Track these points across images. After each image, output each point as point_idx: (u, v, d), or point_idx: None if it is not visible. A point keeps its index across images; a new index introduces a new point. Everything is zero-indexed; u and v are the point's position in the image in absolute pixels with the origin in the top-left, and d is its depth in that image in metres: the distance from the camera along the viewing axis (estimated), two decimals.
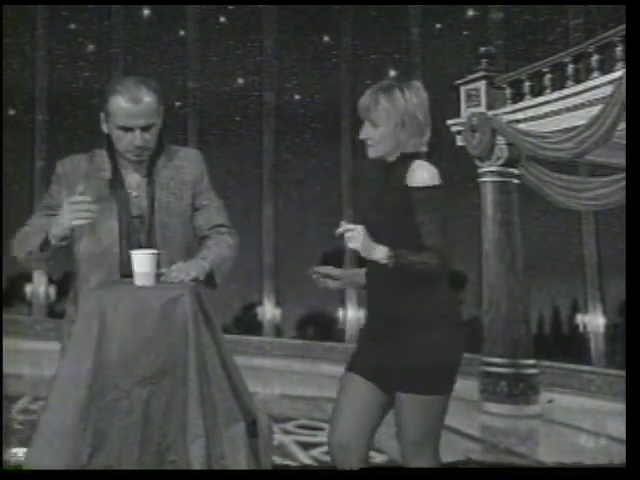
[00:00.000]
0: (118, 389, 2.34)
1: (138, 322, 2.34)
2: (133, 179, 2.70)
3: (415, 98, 2.54)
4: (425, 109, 2.56)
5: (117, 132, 2.62)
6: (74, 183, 2.64)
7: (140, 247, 2.61)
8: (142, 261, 2.46)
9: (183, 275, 2.53)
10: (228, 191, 7.99)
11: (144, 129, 2.60)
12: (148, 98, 2.61)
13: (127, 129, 2.60)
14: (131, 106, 2.59)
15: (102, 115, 2.66)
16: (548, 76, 7.01)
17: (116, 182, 2.68)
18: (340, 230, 2.43)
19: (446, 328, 2.51)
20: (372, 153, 2.57)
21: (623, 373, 6.28)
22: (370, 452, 2.64)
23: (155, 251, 2.51)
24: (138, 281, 2.46)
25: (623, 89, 6.04)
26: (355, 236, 2.41)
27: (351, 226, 2.43)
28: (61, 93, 7.74)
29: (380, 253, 2.43)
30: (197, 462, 2.32)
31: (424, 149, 2.59)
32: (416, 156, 2.55)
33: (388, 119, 2.51)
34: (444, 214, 2.50)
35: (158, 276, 2.51)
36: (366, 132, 2.56)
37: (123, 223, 2.66)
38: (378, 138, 2.54)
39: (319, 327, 8.13)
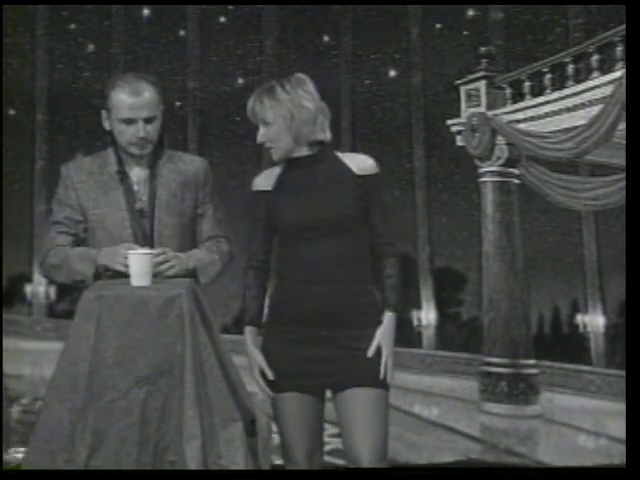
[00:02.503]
0: (115, 390, 2.34)
1: (135, 322, 2.35)
2: (135, 174, 2.74)
3: (298, 89, 2.54)
4: (311, 97, 2.56)
5: (119, 126, 2.66)
6: (80, 181, 2.68)
7: (137, 241, 2.64)
8: (138, 261, 2.46)
9: (164, 267, 2.60)
10: (228, 191, 7.99)
11: (146, 121, 2.66)
12: (149, 91, 2.68)
13: (130, 121, 2.65)
14: (133, 98, 2.65)
15: (103, 112, 2.70)
16: (548, 76, 7.00)
17: (122, 175, 2.71)
18: None
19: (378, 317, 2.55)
20: (276, 155, 2.58)
21: (623, 373, 6.27)
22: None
23: (151, 251, 2.52)
24: (135, 281, 2.46)
25: (623, 89, 6.04)
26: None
27: None
28: (61, 93, 7.73)
29: (394, 322, 2.52)
30: (193, 462, 2.32)
31: (328, 137, 2.58)
32: (329, 146, 2.58)
33: (276, 115, 2.51)
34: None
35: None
36: (261, 135, 2.57)
37: (130, 214, 2.69)
38: (274, 136, 2.54)
39: None
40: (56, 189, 2.77)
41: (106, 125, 2.71)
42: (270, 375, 2.54)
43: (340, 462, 5.57)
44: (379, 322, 2.53)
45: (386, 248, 2.57)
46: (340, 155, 2.59)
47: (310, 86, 2.59)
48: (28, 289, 7.84)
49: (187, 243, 2.75)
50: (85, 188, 2.69)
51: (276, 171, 2.63)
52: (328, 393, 2.61)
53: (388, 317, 2.54)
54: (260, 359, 2.55)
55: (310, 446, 2.58)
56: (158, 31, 7.86)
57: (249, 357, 2.60)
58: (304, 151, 2.56)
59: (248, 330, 2.61)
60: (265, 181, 2.64)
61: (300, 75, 2.60)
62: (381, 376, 2.49)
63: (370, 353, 2.48)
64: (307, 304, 2.51)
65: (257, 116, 2.55)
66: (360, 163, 2.57)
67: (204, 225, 2.79)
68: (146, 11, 7.87)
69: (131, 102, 2.63)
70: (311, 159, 2.56)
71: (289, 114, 2.50)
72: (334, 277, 2.49)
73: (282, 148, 2.55)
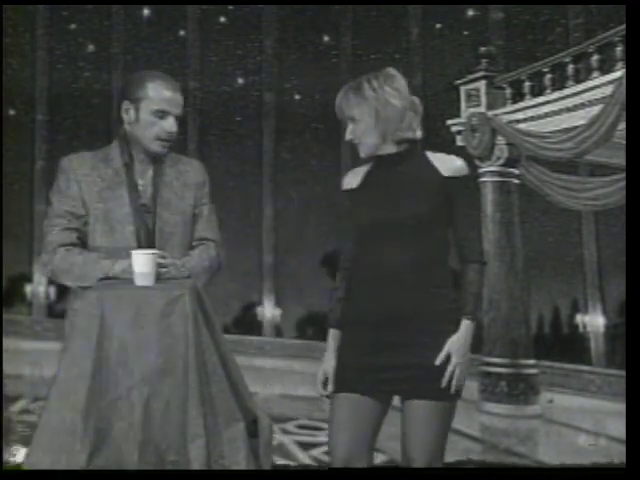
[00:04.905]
0: (118, 389, 2.34)
1: (138, 322, 2.34)
2: (139, 169, 2.72)
3: (385, 85, 2.47)
4: (400, 94, 2.48)
5: (150, 118, 2.65)
6: (84, 174, 2.67)
7: (139, 237, 2.64)
8: (142, 261, 2.46)
9: (161, 271, 2.57)
10: (228, 191, 8.01)
11: (176, 118, 2.66)
12: (180, 91, 2.71)
13: (163, 114, 2.64)
14: (172, 93, 2.67)
15: (126, 102, 2.67)
16: (548, 76, 7.02)
17: (127, 170, 2.70)
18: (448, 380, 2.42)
19: (455, 326, 2.45)
20: (362, 152, 2.53)
21: (623, 373, 6.28)
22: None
23: (155, 251, 2.51)
24: (138, 281, 2.46)
25: (623, 89, 6.04)
26: (457, 364, 2.43)
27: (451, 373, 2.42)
28: (61, 93, 7.73)
29: (471, 329, 2.44)
30: (197, 462, 2.32)
31: (414, 135, 2.52)
32: (418, 145, 2.52)
33: (362, 113, 2.47)
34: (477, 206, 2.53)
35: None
36: (349, 132, 2.52)
37: (133, 210, 2.68)
38: (360, 134, 2.49)
39: (319, 327, 8.14)
40: (55, 182, 2.74)
41: (128, 116, 2.67)
42: (325, 391, 2.53)
43: None
44: (454, 330, 2.43)
45: (468, 253, 2.47)
46: (429, 154, 2.51)
47: (399, 82, 2.49)
48: (28, 289, 7.85)
49: (187, 240, 2.75)
50: (88, 181, 2.66)
51: (364, 169, 2.59)
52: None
53: (464, 325, 2.43)
54: (329, 369, 2.54)
55: (352, 449, 2.46)
56: (158, 31, 7.87)
57: (323, 359, 2.59)
58: (391, 149, 2.50)
59: (331, 333, 2.60)
60: (352, 179, 2.58)
61: (390, 70, 2.52)
62: (443, 386, 2.39)
63: (438, 361, 2.39)
64: (373, 307, 2.45)
65: (344, 113, 2.51)
66: (448, 164, 2.49)
67: (198, 225, 2.79)
68: (146, 11, 7.88)
69: (170, 96, 2.65)
70: (397, 157, 2.50)
71: (374, 112, 2.45)
72: (402, 279, 2.42)
73: (369, 145, 2.50)
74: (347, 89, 2.51)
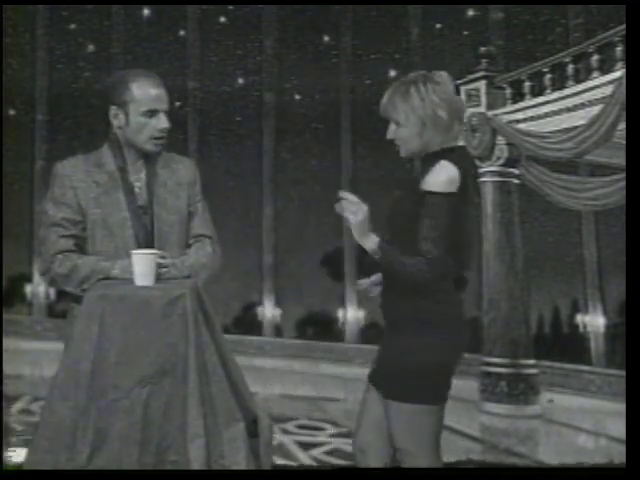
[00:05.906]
0: (118, 389, 2.33)
1: (138, 322, 2.34)
2: (134, 171, 2.71)
3: (433, 95, 2.41)
4: (448, 104, 2.42)
5: (140, 119, 2.63)
6: (79, 180, 2.65)
7: (139, 240, 2.63)
8: (142, 261, 2.45)
9: (161, 271, 2.57)
10: (228, 191, 8.02)
11: (165, 113, 2.65)
12: (164, 85, 2.67)
13: (153, 113, 2.63)
14: (157, 90, 2.64)
15: (114, 108, 2.65)
16: (548, 76, 7.02)
17: (121, 173, 2.69)
18: (342, 196, 2.36)
19: (438, 334, 2.44)
20: (402, 153, 2.51)
21: (623, 373, 6.28)
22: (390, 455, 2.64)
23: (155, 251, 2.51)
24: (138, 281, 2.45)
25: (623, 89, 6.04)
26: (356, 211, 2.35)
27: (355, 199, 2.36)
28: (61, 93, 7.75)
29: (370, 242, 2.37)
30: (197, 462, 2.31)
31: (456, 143, 2.48)
32: (445, 154, 2.44)
33: (407, 120, 2.44)
34: (449, 224, 2.38)
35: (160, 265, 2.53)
36: (391, 132, 2.49)
37: (131, 213, 2.67)
38: (404, 138, 2.47)
39: (319, 327, 8.14)
40: (49, 189, 2.69)
41: (118, 121, 2.64)
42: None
43: (341, 462, 5.58)
44: (425, 332, 2.42)
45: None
46: (439, 163, 2.40)
47: (447, 90, 2.43)
48: (28, 289, 7.86)
49: (184, 239, 2.74)
50: (83, 187, 2.65)
51: None
52: None
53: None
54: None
55: (368, 439, 2.59)
56: (158, 31, 7.88)
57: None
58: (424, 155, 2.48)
59: None
60: None
61: (437, 77, 2.44)
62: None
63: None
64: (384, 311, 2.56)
65: (389, 115, 2.48)
66: (430, 177, 2.39)
67: (193, 222, 2.78)
68: (146, 11, 7.89)
69: (156, 93, 2.63)
70: (422, 163, 2.49)
71: (421, 123, 2.43)
72: (386, 282, 2.52)
73: (409, 150, 2.48)
74: (394, 92, 2.46)
